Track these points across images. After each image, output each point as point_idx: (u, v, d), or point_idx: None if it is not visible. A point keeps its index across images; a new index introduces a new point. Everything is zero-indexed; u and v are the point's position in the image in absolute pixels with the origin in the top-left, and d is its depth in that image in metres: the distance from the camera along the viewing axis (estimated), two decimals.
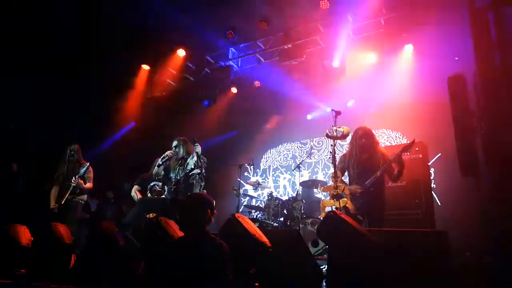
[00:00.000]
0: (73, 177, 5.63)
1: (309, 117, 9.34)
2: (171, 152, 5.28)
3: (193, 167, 5.11)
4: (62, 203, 5.58)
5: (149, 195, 6.32)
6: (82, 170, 5.70)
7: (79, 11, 7.10)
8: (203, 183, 5.44)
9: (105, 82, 8.44)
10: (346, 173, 4.92)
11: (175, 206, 4.78)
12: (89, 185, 5.88)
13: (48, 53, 7.55)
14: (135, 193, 6.50)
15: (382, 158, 4.65)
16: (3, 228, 4.33)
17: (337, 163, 4.92)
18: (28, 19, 7.06)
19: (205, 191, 5.42)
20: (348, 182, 4.85)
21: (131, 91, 9.33)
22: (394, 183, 5.22)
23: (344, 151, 5.11)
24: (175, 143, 5.37)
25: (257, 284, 2.90)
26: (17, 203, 6.83)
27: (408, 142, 4.71)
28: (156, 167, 5.25)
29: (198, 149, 5.09)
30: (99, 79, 8.28)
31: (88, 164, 5.80)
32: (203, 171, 5.30)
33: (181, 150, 5.32)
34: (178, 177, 5.20)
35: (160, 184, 6.34)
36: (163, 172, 5.30)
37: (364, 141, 4.70)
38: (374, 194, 4.55)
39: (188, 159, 5.14)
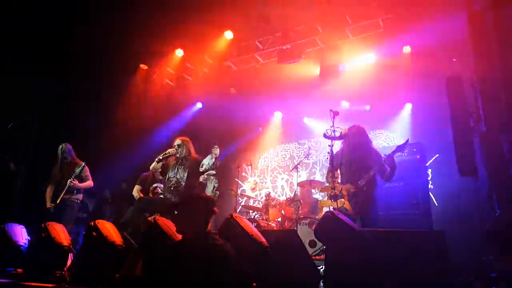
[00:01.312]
0: (69, 178, 5.62)
1: (306, 120, 9.37)
2: (173, 150, 5.25)
3: (208, 168, 5.10)
4: (58, 202, 5.57)
5: (150, 196, 6.31)
6: (78, 170, 5.70)
7: (78, 10, 7.09)
8: (217, 184, 5.45)
9: (104, 81, 8.43)
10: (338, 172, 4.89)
11: (174, 209, 4.78)
12: (88, 182, 5.87)
13: (47, 53, 7.54)
14: (137, 193, 6.49)
15: (375, 157, 4.64)
16: (0, 227, 4.32)
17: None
18: (28, 19, 7.05)
19: (218, 192, 5.44)
20: (340, 181, 4.84)
21: (129, 90, 9.31)
22: (389, 183, 5.21)
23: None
24: (178, 142, 5.30)
25: (254, 284, 2.90)
26: (14, 203, 6.81)
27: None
28: (155, 161, 5.21)
29: (217, 151, 5.09)
30: (98, 79, 8.27)
31: (83, 164, 5.79)
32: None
33: (184, 150, 5.28)
34: (178, 177, 5.18)
35: (162, 186, 6.33)
36: (160, 169, 5.26)
37: (357, 139, 4.69)
38: (367, 193, 4.54)
39: (204, 160, 5.12)
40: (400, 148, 4.59)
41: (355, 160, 4.68)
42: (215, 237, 2.85)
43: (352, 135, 4.74)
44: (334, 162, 4.83)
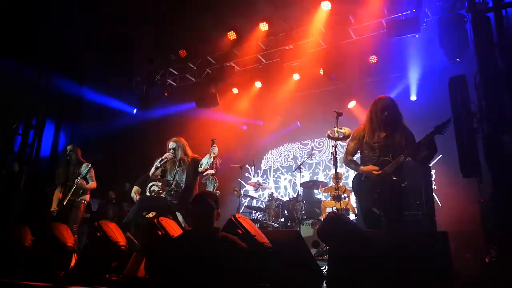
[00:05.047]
0: (76, 179, 5.64)
1: (309, 120, 9.36)
2: (169, 155, 5.20)
3: (207, 167, 5.02)
4: (65, 203, 5.59)
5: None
6: (85, 171, 5.71)
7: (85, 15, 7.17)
8: (217, 183, 5.36)
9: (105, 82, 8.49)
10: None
11: (184, 207, 4.78)
12: (92, 184, 5.89)
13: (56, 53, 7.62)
14: (135, 194, 6.51)
15: (409, 137, 3.86)
16: (6, 228, 4.35)
17: (348, 140, 4.23)
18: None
19: (218, 192, 5.37)
20: (360, 163, 4.05)
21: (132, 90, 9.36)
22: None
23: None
24: (173, 145, 5.22)
25: (259, 284, 2.90)
26: (18, 203, 6.85)
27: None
28: (154, 168, 5.19)
29: (215, 150, 4.96)
30: (97, 81, 8.33)
31: (90, 164, 5.81)
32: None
33: (180, 152, 5.23)
34: (177, 178, 5.16)
35: (160, 184, 6.34)
36: (160, 175, 5.26)
37: (387, 114, 3.83)
38: (396, 184, 3.76)
39: (203, 159, 5.05)
40: (438, 129, 3.73)
41: (382, 140, 3.85)
42: (226, 234, 2.87)
43: (380, 109, 3.87)
44: (354, 142, 4.07)
